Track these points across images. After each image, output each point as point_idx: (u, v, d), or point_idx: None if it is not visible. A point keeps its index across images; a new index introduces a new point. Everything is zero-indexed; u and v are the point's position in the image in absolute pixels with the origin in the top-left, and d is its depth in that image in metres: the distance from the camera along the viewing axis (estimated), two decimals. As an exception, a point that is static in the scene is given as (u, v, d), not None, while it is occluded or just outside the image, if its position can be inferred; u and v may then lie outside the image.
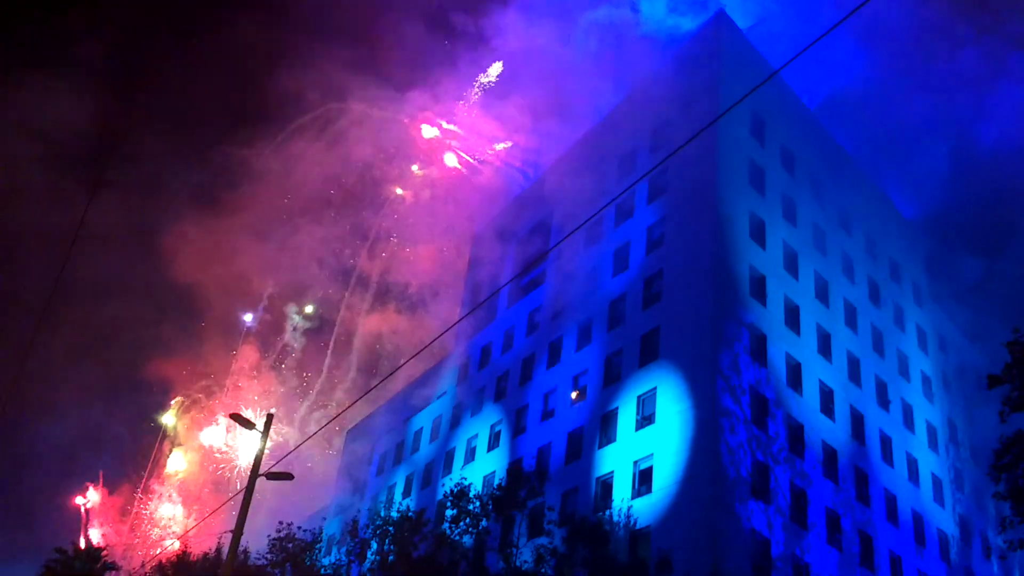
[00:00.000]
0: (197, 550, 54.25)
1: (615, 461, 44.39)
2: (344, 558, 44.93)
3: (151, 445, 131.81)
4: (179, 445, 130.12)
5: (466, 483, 41.39)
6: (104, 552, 63.55)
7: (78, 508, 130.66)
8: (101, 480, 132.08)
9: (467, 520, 38.46)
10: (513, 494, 39.12)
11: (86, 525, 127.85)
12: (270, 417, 27.66)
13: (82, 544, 68.92)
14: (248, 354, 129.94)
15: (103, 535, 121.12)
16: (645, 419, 44.05)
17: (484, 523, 38.96)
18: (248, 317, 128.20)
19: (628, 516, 40.66)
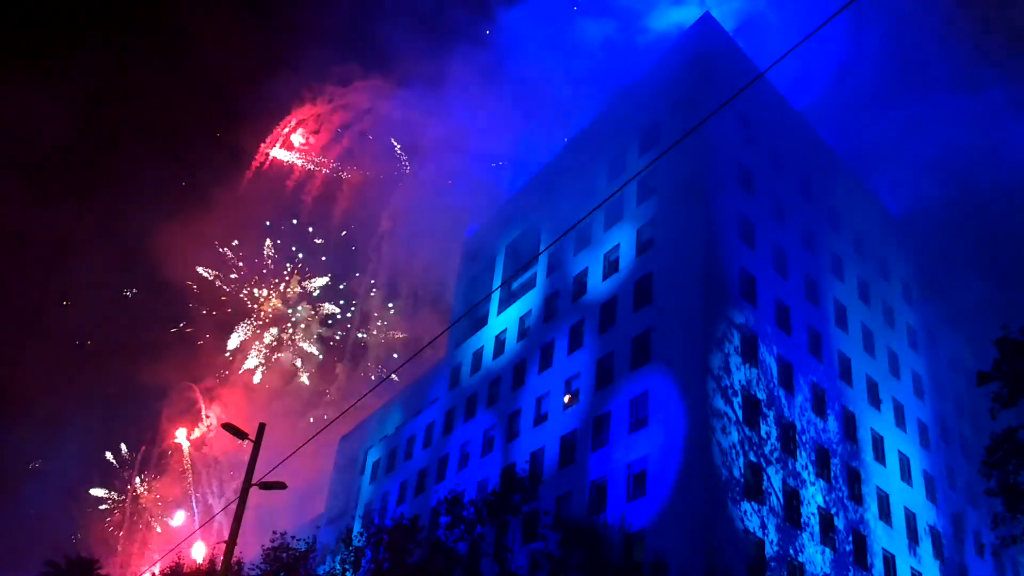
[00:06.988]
0: (191, 562, 53.95)
1: (609, 465, 44.37)
2: (339, 567, 44.70)
3: (144, 452, 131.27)
4: (174, 453, 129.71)
5: (460, 490, 41.31)
6: (97, 564, 63.23)
7: (70, 519, 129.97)
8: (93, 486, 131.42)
9: (461, 526, 38.34)
10: (507, 499, 39.00)
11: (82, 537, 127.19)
12: (262, 427, 27.51)
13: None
14: (244, 361, 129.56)
15: (97, 546, 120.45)
16: (638, 422, 44.05)
17: (479, 529, 38.86)
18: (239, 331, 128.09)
19: (623, 519, 40.61)
